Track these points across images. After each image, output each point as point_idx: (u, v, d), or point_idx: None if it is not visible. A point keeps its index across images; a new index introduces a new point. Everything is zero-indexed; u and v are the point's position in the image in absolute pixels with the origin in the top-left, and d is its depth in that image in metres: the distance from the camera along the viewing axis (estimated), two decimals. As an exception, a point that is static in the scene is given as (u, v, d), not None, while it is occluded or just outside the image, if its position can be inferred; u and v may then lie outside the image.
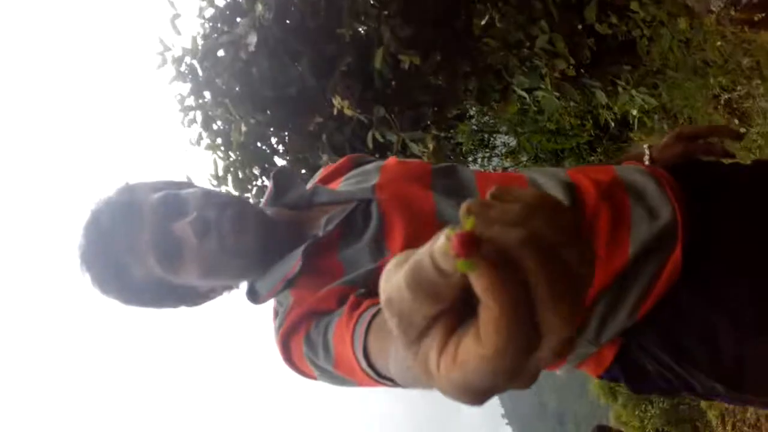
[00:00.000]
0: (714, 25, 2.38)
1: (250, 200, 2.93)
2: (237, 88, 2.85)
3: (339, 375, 0.80)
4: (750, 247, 0.86)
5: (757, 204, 0.90)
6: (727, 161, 1.03)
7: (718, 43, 2.65)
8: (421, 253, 0.32)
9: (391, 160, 1.05)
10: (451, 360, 0.31)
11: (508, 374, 0.29)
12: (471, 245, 0.29)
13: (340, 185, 1.03)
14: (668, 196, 0.88)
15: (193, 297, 1.02)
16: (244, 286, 1.02)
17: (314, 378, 0.88)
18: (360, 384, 0.78)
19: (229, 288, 1.04)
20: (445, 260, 0.29)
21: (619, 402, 9.90)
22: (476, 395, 0.31)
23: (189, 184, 1.03)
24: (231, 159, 2.89)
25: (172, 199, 0.93)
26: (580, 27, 2.74)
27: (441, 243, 0.30)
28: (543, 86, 2.86)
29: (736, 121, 3.57)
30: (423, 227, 0.87)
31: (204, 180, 2.87)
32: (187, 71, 2.87)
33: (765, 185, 0.94)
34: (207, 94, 2.83)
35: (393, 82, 2.99)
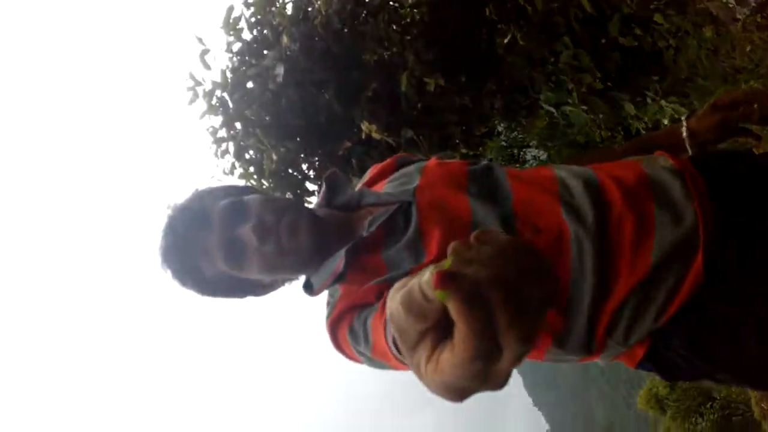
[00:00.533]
0: (740, 32, 2.35)
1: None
2: (267, 118, 2.92)
3: (377, 360, 0.90)
4: None
5: None
6: (759, 150, 1.02)
7: (748, 48, 2.61)
8: (414, 282, 0.41)
9: (432, 161, 1.10)
10: (434, 366, 0.41)
11: (475, 378, 0.39)
12: (446, 281, 0.38)
13: (385, 186, 1.10)
14: (693, 199, 0.89)
15: (258, 288, 1.13)
16: (302, 279, 1.12)
17: (359, 361, 0.97)
18: (394, 368, 0.89)
19: (290, 280, 1.15)
20: (429, 290, 0.39)
21: (668, 415, 9.63)
22: (454, 393, 0.42)
23: (252, 190, 1.15)
24: (264, 186, 2.95)
25: (237, 206, 1.04)
26: (603, 41, 2.74)
27: (426, 277, 0.39)
28: (570, 101, 2.85)
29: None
30: (458, 231, 0.92)
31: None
32: (218, 104, 2.95)
33: None
34: (238, 125, 2.90)
35: (419, 104, 3.02)
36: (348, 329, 0.94)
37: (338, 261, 0.96)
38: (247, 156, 2.95)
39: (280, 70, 2.73)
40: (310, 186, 3.18)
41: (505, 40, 3.11)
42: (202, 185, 1.14)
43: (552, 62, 2.86)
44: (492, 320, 0.38)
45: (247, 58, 3.10)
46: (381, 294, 0.90)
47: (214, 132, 2.98)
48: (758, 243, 0.87)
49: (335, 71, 2.86)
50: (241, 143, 2.90)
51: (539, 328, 0.40)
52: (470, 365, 0.39)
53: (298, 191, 3.07)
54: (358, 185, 1.19)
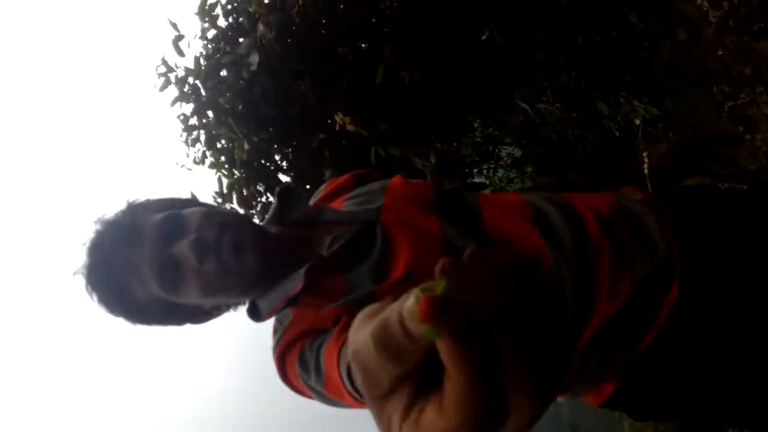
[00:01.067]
0: (713, 36, 2.38)
1: (255, 217, 2.94)
2: (240, 107, 2.88)
3: (329, 396, 0.80)
4: (746, 280, 0.86)
5: (753, 234, 0.90)
6: (723, 185, 1.02)
7: (720, 52, 2.64)
8: (391, 310, 0.29)
9: (397, 179, 1.04)
10: (413, 429, 0.29)
11: None
12: (439, 312, 0.26)
13: (344, 204, 1.03)
14: (666, 232, 0.88)
15: (197, 315, 1.03)
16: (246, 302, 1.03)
17: (310, 397, 0.88)
18: (349, 405, 0.78)
19: (235, 305, 1.05)
20: (413, 323, 0.27)
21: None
22: None
23: (193, 202, 1.04)
24: (235, 177, 2.91)
25: (173, 220, 0.93)
26: (580, 40, 2.75)
27: (410, 304, 0.28)
28: (545, 98, 2.86)
29: (741, 128, 3.55)
30: (428, 252, 0.86)
31: (209, 197, 2.88)
32: (190, 91, 2.90)
33: (760, 214, 0.93)
34: (210, 114, 2.85)
35: (394, 98, 3.01)
36: (297, 359, 0.83)
37: (295, 283, 0.88)
38: (218, 145, 2.91)
39: (254, 58, 2.69)
40: (283, 177, 3.15)
41: (483, 36, 3.11)
42: (135, 198, 1.02)
43: (528, 59, 2.86)
44: (498, 368, 0.27)
45: (221, 45, 3.05)
46: (340, 319, 0.80)
47: (186, 120, 2.93)
48: (728, 275, 0.86)
49: (311, 62, 2.83)
50: (213, 132, 2.86)
51: (560, 379, 0.29)
52: (464, 428, 0.27)
53: (270, 182, 3.04)
54: (312, 199, 1.11)
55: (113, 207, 1.01)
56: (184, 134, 2.95)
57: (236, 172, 2.92)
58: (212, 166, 2.92)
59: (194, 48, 3.48)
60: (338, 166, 2.89)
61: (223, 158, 2.92)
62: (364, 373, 0.31)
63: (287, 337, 0.86)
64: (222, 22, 3.01)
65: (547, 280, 0.33)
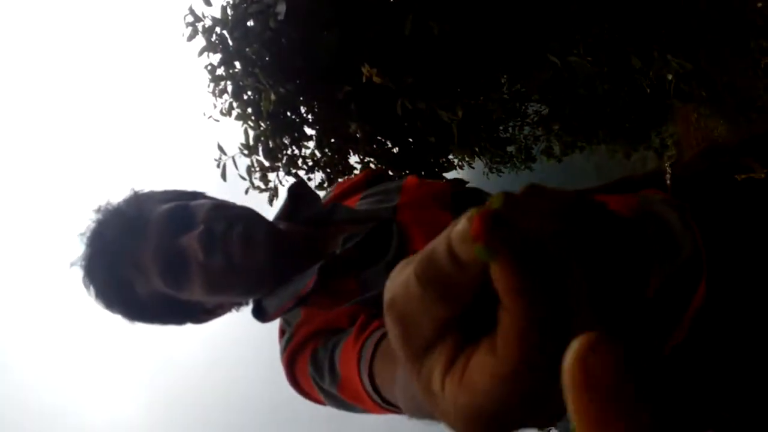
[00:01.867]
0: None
1: (281, 170, 2.96)
2: (267, 58, 2.87)
3: (344, 400, 0.75)
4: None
5: None
6: (740, 177, 0.98)
7: (759, 4, 2.55)
8: (437, 241, 0.25)
9: (412, 179, 1.00)
10: (458, 378, 0.25)
11: (530, 401, 0.23)
12: (495, 227, 0.23)
13: (359, 203, 0.99)
14: (691, 228, 0.85)
15: (200, 314, 0.98)
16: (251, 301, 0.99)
17: (321, 402, 0.83)
18: (367, 410, 0.74)
19: (239, 304, 1.01)
20: (464, 246, 0.24)
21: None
22: (487, 425, 0.25)
23: (201, 195, 0.99)
24: (261, 128, 2.91)
25: (180, 211, 0.89)
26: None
27: (461, 225, 0.24)
28: (576, 51, 2.80)
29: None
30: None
31: (235, 149, 2.90)
32: (217, 41, 2.88)
33: None
34: (237, 64, 2.84)
35: (422, 50, 2.96)
36: (310, 359, 0.79)
37: (307, 281, 0.84)
38: (245, 96, 2.91)
39: (281, 7, 2.66)
40: (309, 130, 3.15)
41: (513, -13, 3.03)
42: (141, 188, 0.97)
43: (561, 11, 2.79)
44: (563, 300, 0.23)
45: (248, -6, 3.03)
46: (355, 317, 0.75)
47: (213, 70, 2.93)
48: (756, 277, 0.83)
49: (339, 11, 2.79)
50: (240, 83, 2.85)
51: (631, 324, 0.25)
52: (524, 377, 0.23)
53: (296, 134, 3.04)
54: (324, 198, 1.07)
55: (116, 195, 0.96)
56: (212, 85, 2.95)
57: (262, 124, 2.92)
58: (239, 117, 2.93)
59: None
60: (364, 118, 2.88)
61: (249, 110, 2.92)
62: (401, 323, 0.26)
63: (298, 336, 0.83)
64: (249, -29, 2.97)
65: (624, 221, 0.27)
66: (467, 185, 1.01)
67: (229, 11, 2.99)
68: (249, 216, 0.93)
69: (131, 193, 0.95)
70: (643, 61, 2.88)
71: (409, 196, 0.95)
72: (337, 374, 0.72)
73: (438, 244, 0.25)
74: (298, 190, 1.02)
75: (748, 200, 0.93)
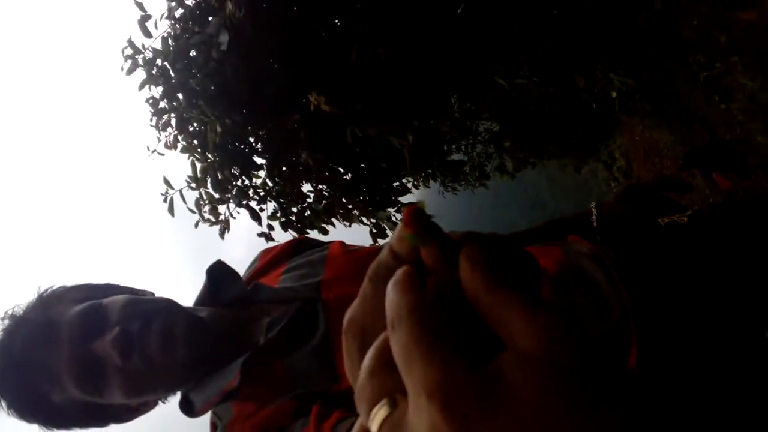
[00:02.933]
0: (688, 4, 2.36)
1: (231, 202, 2.89)
2: (211, 89, 2.80)
3: None
4: (700, 329, 0.82)
5: (703, 276, 0.86)
6: (664, 221, 0.98)
7: (695, 22, 2.63)
8: (382, 251, 0.34)
9: (336, 247, 0.97)
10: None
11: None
12: (419, 216, 0.30)
13: (282, 277, 0.95)
14: (617, 287, 0.83)
15: (123, 414, 0.93)
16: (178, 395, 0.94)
17: None
18: None
19: (164, 399, 0.96)
20: (401, 243, 0.32)
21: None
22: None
23: (114, 288, 0.94)
24: (209, 160, 2.84)
25: (93, 312, 0.84)
26: (556, 12, 2.71)
27: (397, 228, 0.32)
28: (521, 72, 2.83)
29: (717, 98, 3.56)
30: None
31: (182, 182, 2.82)
32: (159, 73, 2.81)
33: (705, 250, 0.90)
34: (180, 96, 2.77)
35: (370, 76, 2.95)
36: None
37: (231, 377, 0.80)
38: (190, 128, 2.83)
39: (224, 37, 2.61)
40: (259, 160, 3.08)
41: (459, 9, 3.05)
42: (48, 287, 0.91)
43: (504, 33, 2.82)
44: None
45: (189, 24, 2.96)
46: (299, 412, 0.74)
47: (155, 103, 2.85)
48: (679, 322, 0.82)
49: (283, 40, 2.76)
50: (184, 115, 2.78)
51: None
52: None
53: (246, 165, 2.98)
54: (247, 273, 1.02)
55: (23, 300, 0.90)
56: (154, 118, 2.87)
57: (210, 155, 2.85)
58: (184, 150, 2.85)
59: (162, 28, 3.36)
60: (314, 146, 2.84)
61: (195, 142, 2.85)
62: (361, 333, 0.34)
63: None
64: (189, 1, 2.92)
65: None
66: None
67: (170, 42, 2.92)
68: (166, 309, 0.88)
69: (37, 296, 0.90)
70: (587, 79, 2.93)
71: (333, 269, 0.91)
72: None
73: (382, 252, 0.34)
74: (218, 272, 0.96)
75: (673, 247, 0.93)
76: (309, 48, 2.75)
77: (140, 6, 2.88)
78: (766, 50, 2.31)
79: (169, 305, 0.90)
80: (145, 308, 0.86)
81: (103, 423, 0.92)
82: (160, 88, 2.82)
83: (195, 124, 2.87)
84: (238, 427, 0.77)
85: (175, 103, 2.82)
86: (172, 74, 2.84)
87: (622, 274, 0.86)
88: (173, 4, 2.93)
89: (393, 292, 0.29)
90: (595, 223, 1.03)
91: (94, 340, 0.82)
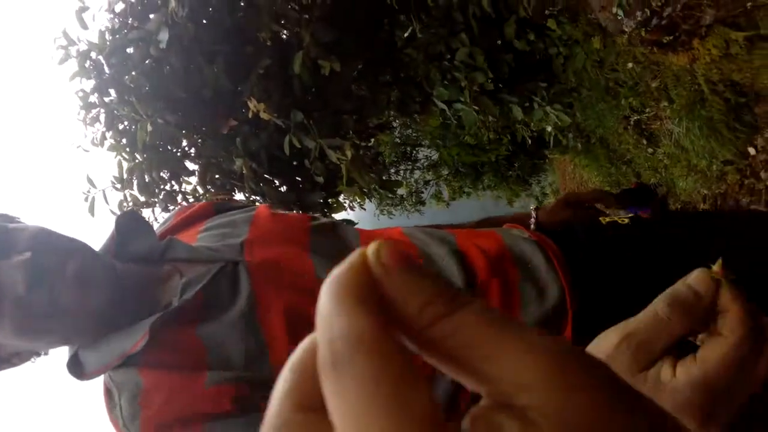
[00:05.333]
0: (626, 45, 2.46)
1: (156, 206, 2.77)
2: (147, 87, 2.70)
3: None
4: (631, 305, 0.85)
5: (639, 267, 0.88)
6: (605, 220, 1.02)
7: (630, 64, 2.74)
8: (676, 285, 0.42)
9: (263, 210, 0.91)
10: (690, 362, 0.39)
11: (742, 366, 0.38)
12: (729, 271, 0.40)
13: (199, 237, 0.87)
14: (556, 271, 0.84)
15: None
16: (61, 352, 0.83)
17: None
18: None
19: (38, 354, 0.84)
20: (704, 285, 0.40)
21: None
22: (713, 391, 0.38)
23: (15, 219, 0.84)
24: (137, 161, 2.72)
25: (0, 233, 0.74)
26: (499, 42, 2.77)
27: (705, 270, 0.41)
28: (462, 99, 2.86)
29: (645, 142, 3.71)
30: (304, 302, 0.73)
31: (107, 182, 2.69)
32: (92, 67, 2.69)
33: (643, 248, 0.92)
34: (112, 92, 2.66)
35: (313, 88, 2.92)
36: None
37: (137, 338, 0.73)
38: (120, 126, 2.71)
39: (164, 36, 2.53)
40: (191, 165, 2.98)
41: (406, 33, 3.08)
42: None
43: (448, 59, 2.86)
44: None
45: (129, 20, 2.86)
46: (240, 398, 0.68)
47: (85, 97, 2.72)
48: (615, 313, 0.84)
49: (226, 44, 2.70)
50: (115, 111, 2.66)
51: None
52: (744, 342, 0.39)
53: (176, 169, 2.87)
54: (160, 227, 0.95)
55: None
56: (83, 112, 2.73)
57: (138, 156, 2.73)
58: (112, 148, 2.72)
59: (99, 21, 3.24)
60: (250, 155, 2.77)
61: (124, 140, 2.73)
62: (638, 347, 0.42)
63: (155, 417, 0.70)
64: (131, -5, 2.82)
65: None
66: (324, 219, 0.92)
67: (107, 36, 2.81)
68: (84, 251, 0.79)
69: None
70: (524, 111, 3.00)
71: (259, 230, 0.85)
72: None
73: (681, 286, 0.41)
74: (128, 222, 0.88)
75: (614, 240, 0.95)
76: (252, 54, 2.70)
77: (78, -5, 2.77)
78: (692, 96, 2.43)
79: (87, 248, 0.80)
80: (60, 244, 0.77)
81: None
82: (92, 82, 2.69)
83: (126, 122, 2.75)
84: (158, 410, 0.69)
85: (106, 99, 2.70)
86: (106, 69, 2.73)
87: (561, 261, 0.86)
88: (114, -4, 2.83)
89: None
90: (532, 226, 1.04)
91: None
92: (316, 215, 0.97)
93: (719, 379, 0.38)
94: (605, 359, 0.40)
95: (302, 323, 0.73)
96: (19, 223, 0.81)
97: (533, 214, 1.07)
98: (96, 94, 2.71)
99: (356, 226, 0.99)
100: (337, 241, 0.85)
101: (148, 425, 0.70)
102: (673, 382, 0.39)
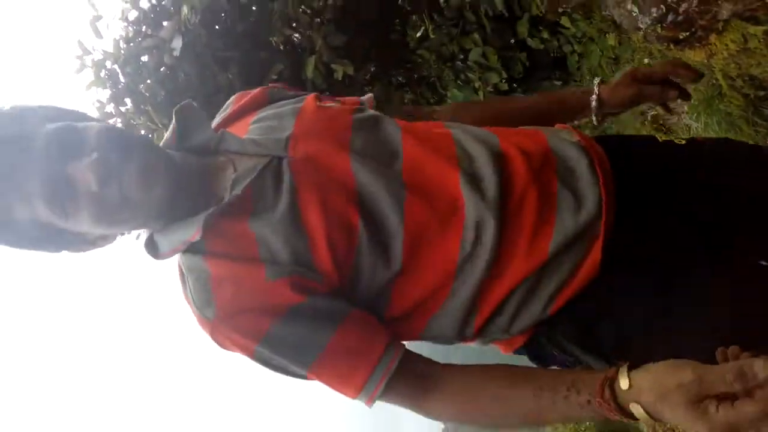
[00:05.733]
0: (641, 42, 2.43)
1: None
2: (162, 95, 2.72)
3: (300, 372, 0.80)
4: (666, 239, 0.84)
5: (686, 192, 0.88)
6: (662, 138, 0.97)
7: (646, 60, 2.70)
8: (750, 363, 0.58)
9: (310, 103, 0.92)
10: (728, 406, 0.58)
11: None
12: None
13: (251, 128, 0.91)
14: (598, 182, 0.83)
15: (79, 243, 0.90)
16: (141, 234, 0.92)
17: (249, 355, 0.81)
18: (331, 387, 0.80)
19: (127, 233, 0.97)
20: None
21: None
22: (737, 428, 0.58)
23: (85, 116, 0.89)
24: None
25: (70, 133, 0.80)
26: (512, 41, 2.75)
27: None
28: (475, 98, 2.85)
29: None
30: (339, 203, 0.78)
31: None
32: (107, 76, 2.72)
33: (695, 171, 0.90)
34: (128, 101, 2.68)
35: (326, 92, 2.92)
36: (264, 338, 0.78)
37: (193, 229, 0.80)
38: (137, 135, 2.74)
39: (177, 43, 2.55)
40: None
41: (418, 34, 3.07)
42: (22, 101, 0.86)
43: (461, 59, 2.84)
44: None
45: (143, 28, 2.89)
46: (296, 285, 0.76)
47: (102, 107, 2.75)
48: (652, 234, 0.83)
49: (239, 49, 2.71)
50: (131, 121, 2.69)
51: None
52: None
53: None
54: (219, 117, 0.99)
55: None
56: (100, 122, 2.76)
57: (156, 164, 2.76)
58: (130, 157, 2.75)
59: (114, 30, 3.27)
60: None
61: (142, 149, 2.75)
62: (698, 389, 0.61)
63: (223, 303, 0.79)
64: (144, 3, 2.85)
65: None
66: (368, 112, 0.92)
67: (121, 45, 2.84)
68: (145, 145, 0.84)
69: (10, 108, 0.83)
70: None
71: (303, 125, 0.87)
72: (314, 356, 0.77)
73: (750, 368, 0.58)
74: (186, 114, 0.92)
75: (663, 163, 0.92)
76: (265, 59, 2.71)
77: (93, 5, 2.80)
78: (710, 91, 2.39)
79: (148, 141, 0.87)
80: (126, 142, 0.81)
81: (57, 249, 0.89)
82: (108, 92, 2.72)
83: (142, 132, 2.77)
84: (226, 294, 0.78)
85: (122, 108, 2.73)
86: (122, 78, 2.76)
87: (606, 175, 0.84)
88: (127, 5, 2.86)
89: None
90: (594, 102, 0.99)
91: (69, 162, 0.77)
92: (363, 104, 0.97)
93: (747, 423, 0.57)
94: (680, 383, 0.60)
95: (336, 221, 0.78)
96: (86, 121, 0.85)
97: (595, 90, 1.00)
98: (112, 104, 2.73)
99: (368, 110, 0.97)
100: (377, 137, 0.87)
101: (223, 312, 0.78)
102: (711, 416, 0.59)
